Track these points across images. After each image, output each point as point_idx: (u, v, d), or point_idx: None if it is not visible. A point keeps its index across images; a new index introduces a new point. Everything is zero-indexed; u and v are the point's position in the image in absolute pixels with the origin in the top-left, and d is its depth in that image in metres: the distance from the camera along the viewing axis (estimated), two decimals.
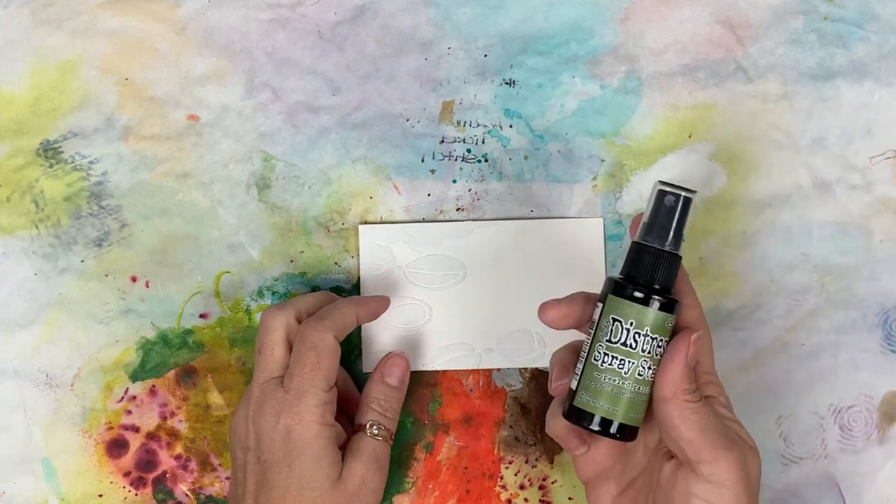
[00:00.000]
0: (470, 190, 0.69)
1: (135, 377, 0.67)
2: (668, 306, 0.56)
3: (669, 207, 0.58)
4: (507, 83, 0.69)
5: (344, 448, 0.62)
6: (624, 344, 0.56)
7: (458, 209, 0.69)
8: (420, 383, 0.68)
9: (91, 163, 0.68)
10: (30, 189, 0.68)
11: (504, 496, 0.67)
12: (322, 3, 0.69)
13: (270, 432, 0.60)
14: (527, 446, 0.67)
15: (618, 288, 0.57)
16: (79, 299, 0.68)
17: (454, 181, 0.69)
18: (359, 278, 0.68)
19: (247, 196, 0.69)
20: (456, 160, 0.69)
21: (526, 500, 0.67)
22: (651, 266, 0.57)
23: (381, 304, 0.66)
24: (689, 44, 0.70)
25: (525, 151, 0.69)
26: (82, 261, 0.68)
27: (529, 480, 0.67)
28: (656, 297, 0.56)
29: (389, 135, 0.69)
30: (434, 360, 0.67)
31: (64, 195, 0.68)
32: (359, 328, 0.67)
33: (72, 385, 0.67)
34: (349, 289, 0.68)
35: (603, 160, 0.69)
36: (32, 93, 0.69)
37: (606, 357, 0.57)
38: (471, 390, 0.67)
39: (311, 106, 0.69)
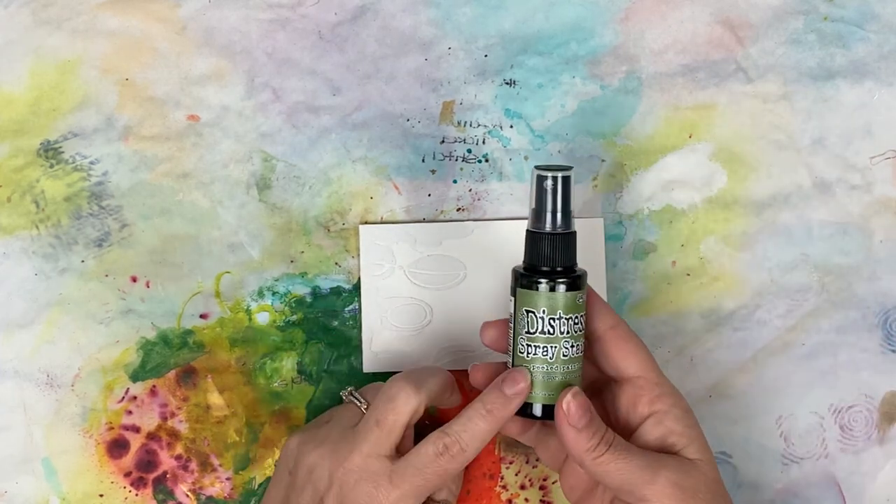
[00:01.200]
0: (470, 190, 0.69)
1: (135, 377, 0.67)
2: (574, 284, 0.58)
3: (550, 189, 0.59)
4: (507, 83, 0.69)
5: None
6: (542, 332, 0.58)
7: (458, 209, 0.69)
8: None
9: (91, 163, 0.68)
10: (30, 189, 0.68)
11: (504, 496, 0.67)
12: (322, 4, 0.69)
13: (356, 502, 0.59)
14: (527, 447, 0.67)
15: (523, 279, 0.59)
16: (79, 299, 0.68)
17: (454, 181, 0.69)
18: (359, 278, 0.68)
19: (247, 196, 0.69)
20: (456, 160, 0.69)
21: (527, 500, 0.67)
22: (548, 250, 0.59)
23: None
24: (689, 44, 0.70)
25: (525, 151, 0.69)
26: (82, 261, 0.68)
27: (530, 480, 0.67)
28: (560, 279, 0.58)
29: (390, 135, 0.69)
30: (435, 360, 0.67)
31: (64, 195, 0.68)
32: (359, 328, 0.67)
33: (72, 385, 0.67)
34: (349, 289, 0.68)
35: (603, 160, 0.69)
36: (32, 93, 0.69)
37: (530, 348, 0.59)
38: (471, 390, 0.67)
39: (311, 106, 0.69)
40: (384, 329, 0.67)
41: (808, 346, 0.68)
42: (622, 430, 0.59)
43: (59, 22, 0.69)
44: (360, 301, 0.68)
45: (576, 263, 0.59)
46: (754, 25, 0.70)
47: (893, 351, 0.68)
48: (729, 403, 0.68)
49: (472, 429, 0.59)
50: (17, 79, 0.69)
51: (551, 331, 0.58)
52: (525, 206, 0.68)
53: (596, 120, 0.69)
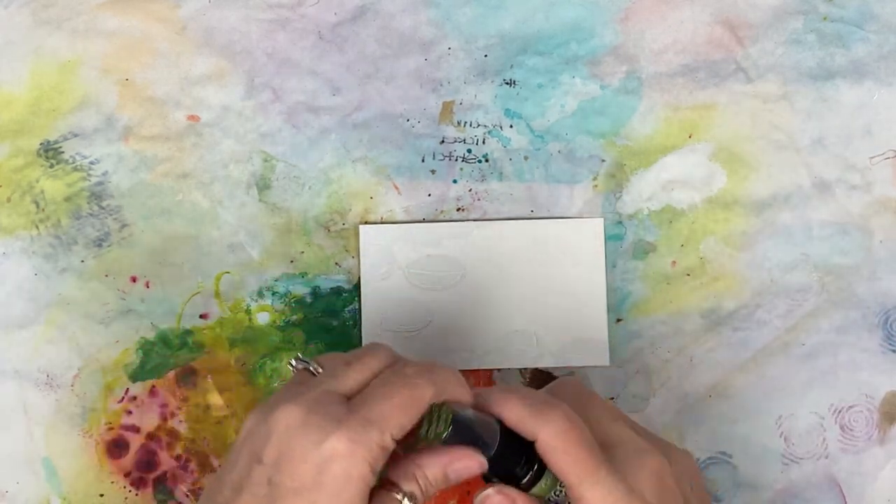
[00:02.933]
0: (470, 190, 0.69)
1: (135, 377, 0.67)
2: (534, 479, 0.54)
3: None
4: (507, 83, 0.69)
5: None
6: None
7: (458, 209, 0.69)
8: None
9: (91, 163, 0.68)
10: (30, 189, 0.68)
11: None
12: (322, 4, 0.69)
13: (305, 452, 0.48)
14: None
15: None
16: (79, 299, 0.68)
17: (454, 181, 0.69)
18: (359, 278, 0.68)
19: (247, 196, 0.69)
20: (456, 160, 0.69)
21: None
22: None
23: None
24: (689, 44, 0.70)
25: (525, 151, 0.69)
26: (82, 261, 0.68)
27: None
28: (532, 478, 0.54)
29: (390, 135, 0.69)
30: (434, 360, 0.67)
31: (64, 195, 0.68)
32: (359, 329, 0.67)
33: (72, 385, 0.67)
34: (349, 289, 0.68)
35: (603, 160, 0.69)
36: (33, 93, 0.69)
37: None
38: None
39: (311, 106, 0.69)
40: (384, 329, 0.67)
41: (808, 346, 0.68)
42: None
43: (60, 22, 0.69)
44: (360, 301, 0.68)
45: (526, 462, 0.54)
46: (754, 25, 0.70)
47: (893, 351, 0.68)
48: (729, 403, 0.68)
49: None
50: (17, 79, 0.69)
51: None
52: (525, 206, 0.68)
53: (596, 120, 0.69)
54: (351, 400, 0.50)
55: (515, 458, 0.54)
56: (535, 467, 0.54)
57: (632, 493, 0.51)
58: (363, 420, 0.48)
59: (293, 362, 0.54)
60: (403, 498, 0.50)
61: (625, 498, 0.51)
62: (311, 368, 0.53)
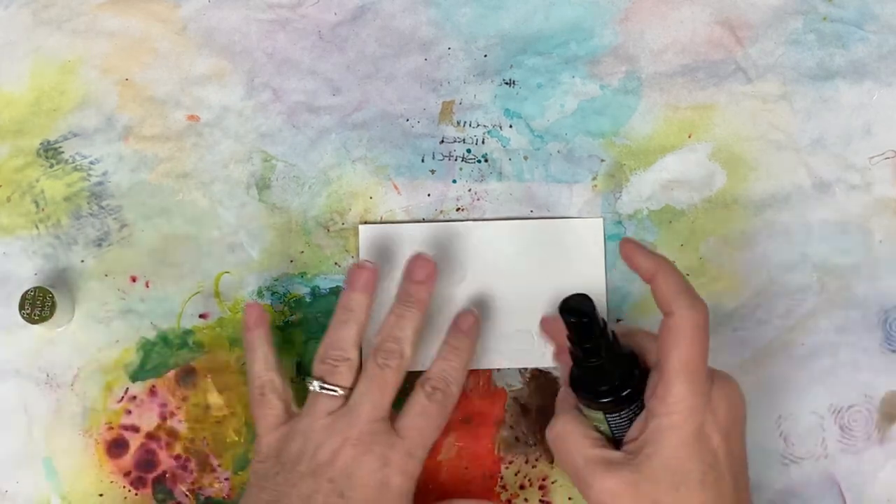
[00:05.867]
0: (470, 190, 0.69)
1: (135, 377, 0.67)
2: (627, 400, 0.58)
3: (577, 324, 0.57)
4: (506, 83, 0.69)
5: None
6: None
7: (458, 209, 0.69)
8: None
9: (91, 163, 0.68)
10: (30, 189, 0.68)
11: (504, 496, 0.67)
12: (322, 4, 0.69)
13: (370, 474, 0.61)
14: (527, 446, 0.67)
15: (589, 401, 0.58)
16: (79, 299, 0.68)
17: (454, 181, 0.69)
18: None
19: (247, 196, 0.69)
20: (456, 160, 0.69)
21: (526, 500, 0.67)
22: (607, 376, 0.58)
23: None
24: (688, 44, 0.70)
25: (525, 151, 0.69)
26: (82, 261, 0.68)
27: (529, 481, 0.67)
28: (622, 402, 0.58)
29: (389, 135, 0.69)
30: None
31: (64, 195, 0.68)
32: None
33: (72, 385, 0.67)
34: None
35: (603, 160, 0.69)
36: (33, 93, 0.69)
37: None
38: (471, 390, 0.67)
39: (311, 106, 0.69)
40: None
41: (808, 345, 0.68)
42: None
43: (60, 22, 0.69)
44: None
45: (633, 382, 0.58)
46: (754, 26, 0.70)
47: (893, 351, 0.68)
48: None
49: (448, 366, 0.63)
50: (17, 79, 0.69)
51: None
52: (525, 206, 0.69)
53: (595, 120, 0.69)
54: (395, 426, 0.62)
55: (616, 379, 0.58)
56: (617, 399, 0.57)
57: (708, 406, 0.56)
58: (408, 454, 0.61)
59: (316, 386, 0.63)
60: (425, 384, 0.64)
61: (703, 407, 0.56)
62: (335, 393, 0.63)
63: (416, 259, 0.64)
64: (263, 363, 0.64)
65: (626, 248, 0.58)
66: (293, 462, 0.61)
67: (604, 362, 0.57)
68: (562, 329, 0.57)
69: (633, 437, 0.57)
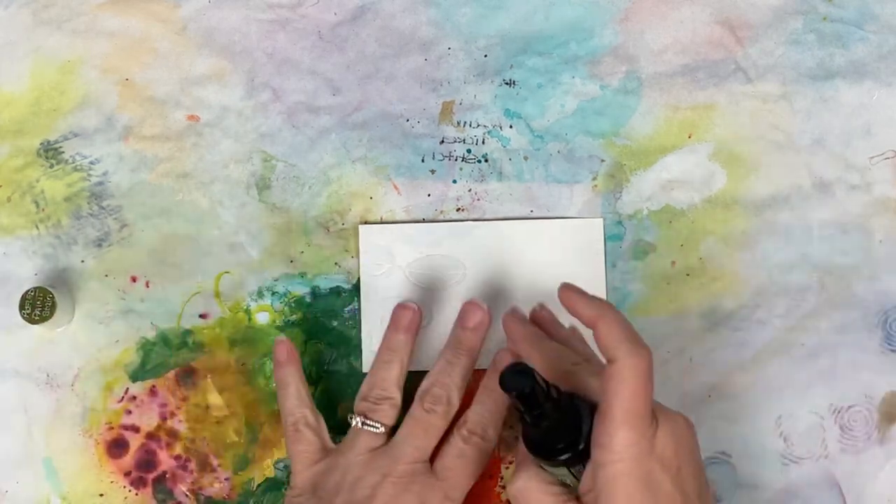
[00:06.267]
0: (470, 190, 0.69)
1: (135, 377, 0.67)
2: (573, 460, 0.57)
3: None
4: (507, 83, 0.69)
5: None
6: None
7: (458, 209, 0.69)
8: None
9: (91, 163, 0.68)
10: (30, 189, 0.68)
11: (504, 496, 0.67)
12: (322, 4, 0.69)
13: None
14: None
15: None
16: (79, 299, 0.68)
17: (454, 181, 0.69)
18: (359, 279, 0.68)
19: (247, 196, 0.69)
20: (456, 160, 0.69)
21: None
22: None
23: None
24: (689, 44, 0.70)
25: (525, 151, 0.69)
26: (82, 261, 0.68)
27: None
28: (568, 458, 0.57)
29: (389, 135, 0.69)
30: (434, 360, 0.67)
31: (64, 195, 0.68)
32: (359, 329, 0.67)
33: (72, 385, 0.67)
34: (349, 289, 0.68)
35: (603, 160, 0.69)
36: (33, 93, 0.69)
37: None
38: (471, 390, 0.67)
39: (311, 106, 0.69)
40: (384, 329, 0.67)
41: (808, 346, 0.68)
42: None
43: (60, 22, 0.69)
44: (359, 301, 0.68)
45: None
46: (754, 26, 0.70)
47: (893, 351, 0.68)
48: (729, 403, 0.68)
49: (484, 410, 0.64)
50: (17, 79, 0.69)
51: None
52: (525, 206, 0.69)
53: (596, 120, 0.69)
54: (434, 467, 0.62)
55: (567, 435, 0.56)
56: (570, 456, 0.56)
57: (653, 450, 0.54)
58: (445, 496, 0.62)
59: (359, 422, 0.63)
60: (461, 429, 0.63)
61: (648, 452, 0.54)
62: (377, 430, 0.63)
63: (469, 305, 0.65)
64: (296, 399, 0.64)
65: (566, 295, 0.57)
66: (330, 495, 0.61)
67: (553, 422, 0.56)
68: (519, 332, 0.60)
69: (589, 487, 0.55)
